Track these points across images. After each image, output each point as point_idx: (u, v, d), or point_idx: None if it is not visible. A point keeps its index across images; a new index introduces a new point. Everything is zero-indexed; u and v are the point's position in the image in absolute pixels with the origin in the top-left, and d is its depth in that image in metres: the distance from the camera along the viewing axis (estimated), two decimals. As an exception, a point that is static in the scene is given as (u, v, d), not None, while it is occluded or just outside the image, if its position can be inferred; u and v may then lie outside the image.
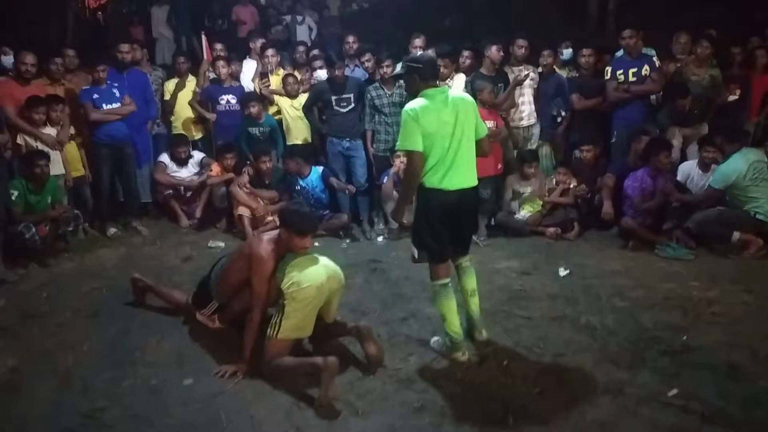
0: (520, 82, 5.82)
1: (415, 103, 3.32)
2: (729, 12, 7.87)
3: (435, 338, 3.65)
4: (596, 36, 8.68)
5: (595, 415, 2.94)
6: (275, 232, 3.58)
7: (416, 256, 3.53)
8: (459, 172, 3.36)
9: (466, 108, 3.39)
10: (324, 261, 3.46)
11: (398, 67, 6.15)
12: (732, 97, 5.95)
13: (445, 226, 3.40)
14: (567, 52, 6.74)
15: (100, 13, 11.39)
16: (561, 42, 6.85)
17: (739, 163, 5.12)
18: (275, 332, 3.26)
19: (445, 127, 3.30)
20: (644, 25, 6.24)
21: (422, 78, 3.40)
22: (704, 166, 5.52)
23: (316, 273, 3.33)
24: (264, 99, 6.53)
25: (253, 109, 6.17)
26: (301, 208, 3.66)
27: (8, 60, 6.20)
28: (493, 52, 5.93)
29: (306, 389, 3.15)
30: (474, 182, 3.48)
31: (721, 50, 6.28)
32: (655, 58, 6.00)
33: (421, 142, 3.25)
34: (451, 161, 3.33)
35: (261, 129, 6.29)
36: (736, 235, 5.08)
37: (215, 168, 6.27)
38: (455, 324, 3.48)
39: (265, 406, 3.07)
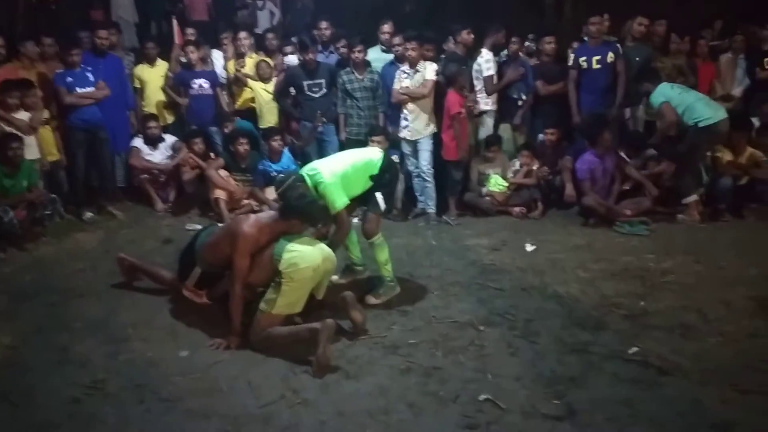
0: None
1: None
2: (679, 4, 8.32)
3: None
4: (554, 24, 9.01)
5: (564, 371, 3.24)
6: (268, 214, 3.74)
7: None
8: None
9: None
10: (317, 243, 3.68)
11: (369, 53, 6.38)
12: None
13: None
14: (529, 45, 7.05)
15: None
16: (522, 29, 7.12)
17: (661, 86, 5.72)
18: (270, 308, 3.46)
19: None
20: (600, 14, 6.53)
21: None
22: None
23: (313, 255, 3.54)
24: (239, 82, 6.64)
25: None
26: (307, 192, 3.71)
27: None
28: (464, 36, 6.18)
29: (300, 356, 3.35)
30: None
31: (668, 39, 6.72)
32: (618, 45, 6.32)
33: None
34: None
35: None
36: (691, 198, 5.63)
37: (186, 155, 6.34)
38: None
39: (262, 372, 3.26)
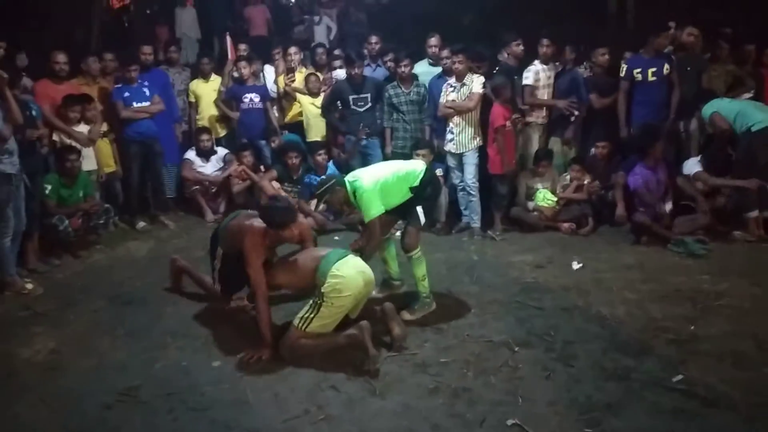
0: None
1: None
2: (744, 12, 7.92)
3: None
4: (615, 34, 8.74)
5: (601, 398, 3.08)
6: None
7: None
8: None
9: None
10: (361, 266, 3.63)
11: (417, 67, 6.37)
12: (747, 95, 6.01)
13: None
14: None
15: (124, 16, 11.67)
16: (579, 40, 6.94)
17: (713, 101, 5.63)
18: (304, 326, 3.47)
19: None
20: (663, 24, 6.27)
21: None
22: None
23: (356, 281, 3.52)
24: (288, 96, 6.76)
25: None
26: (275, 203, 3.77)
27: (22, 60, 6.27)
28: (513, 47, 6.14)
29: (327, 372, 3.35)
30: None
31: (735, 48, 6.42)
32: (672, 56, 6.08)
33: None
34: None
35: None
36: (753, 213, 5.34)
37: (237, 168, 6.49)
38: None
39: (289, 385, 3.26)
